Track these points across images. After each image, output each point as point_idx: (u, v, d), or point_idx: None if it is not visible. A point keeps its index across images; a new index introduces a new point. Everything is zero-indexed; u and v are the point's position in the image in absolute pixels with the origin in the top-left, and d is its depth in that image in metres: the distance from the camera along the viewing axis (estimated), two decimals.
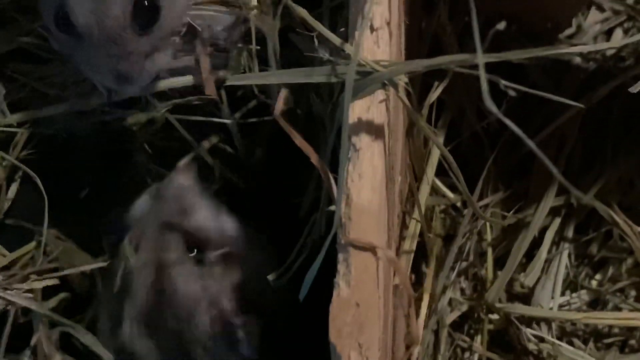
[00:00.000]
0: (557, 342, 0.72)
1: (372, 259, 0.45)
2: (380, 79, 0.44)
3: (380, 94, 0.46)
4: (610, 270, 0.77)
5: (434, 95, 0.65)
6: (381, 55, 0.47)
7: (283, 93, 0.49)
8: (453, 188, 0.74)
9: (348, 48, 0.46)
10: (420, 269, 0.75)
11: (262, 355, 0.63)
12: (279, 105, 0.49)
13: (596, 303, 0.77)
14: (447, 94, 0.69)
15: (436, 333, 0.74)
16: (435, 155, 0.68)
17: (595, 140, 0.77)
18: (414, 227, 0.63)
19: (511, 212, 0.74)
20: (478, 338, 0.74)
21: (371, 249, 0.45)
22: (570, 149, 0.75)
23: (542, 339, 0.72)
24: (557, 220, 0.75)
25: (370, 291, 0.45)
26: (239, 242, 0.66)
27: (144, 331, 0.63)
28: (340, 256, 0.45)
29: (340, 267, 0.45)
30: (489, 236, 0.75)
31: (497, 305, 0.72)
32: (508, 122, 0.40)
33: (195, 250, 0.65)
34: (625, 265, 0.76)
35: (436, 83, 0.65)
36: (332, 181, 0.46)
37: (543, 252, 0.74)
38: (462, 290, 0.76)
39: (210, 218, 0.67)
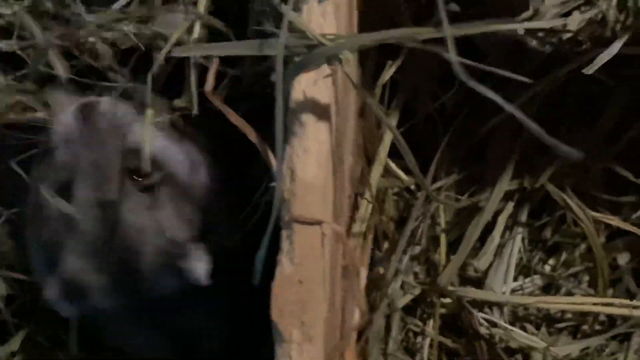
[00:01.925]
0: (509, 326, 0.72)
1: (317, 235, 0.44)
2: (323, 52, 0.43)
3: (327, 69, 0.45)
4: (564, 255, 0.76)
5: (387, 74, 0.64)
6: (328, 29, 0.45)
7: (213, 67, 0.48)
8: (408, 170, 0.73)
9: (293, 18, 0.44)
10: (374, 252, 0.74)
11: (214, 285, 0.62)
12: (210, 81, 0.47)
13: (549, 288, 0.77)
14: (401, 74, 0.68)
15: (388, 317, 0.73)
16: (388, 136, 0.67)
17: (552, 124, 0.76)
18: (365, 208, 0.62)
19: (465, 196, 0.74)
20: (430, 322, 0.74)
21: (316, 225, 0.44)
22: (526, 132, 0.75)
23: (494, 324, 0.72)
24: (511, 205, 0.74)
25: (314, 268, 0.44)
26: (185, 165, 0.63)
27: (94, 265, 0.61)
28: (284, 233, 0.44)
29: (284, 244, 0.44)
30: (442, 220, 0.74)
31: (450, 289, 0.72)
32: (482, 88, 0.40)
33: (139, 177, 0.61)
34: (578, 250, 0.76)
35: (389, 62, 0.64)
36: (272, 158, 0.45)
37: (496, 237, 0.73)
38: (416, 274, 0.76)
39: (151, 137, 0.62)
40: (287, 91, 0.45)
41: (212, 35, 0.56)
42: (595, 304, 0.72)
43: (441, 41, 0.48)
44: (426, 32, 0.46)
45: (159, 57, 0.51)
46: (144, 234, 0.60)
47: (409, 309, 0.75)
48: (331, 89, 0.45)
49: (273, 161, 0.44)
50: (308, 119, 0.45)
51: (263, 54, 0.44)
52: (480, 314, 0.72)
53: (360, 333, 0.72)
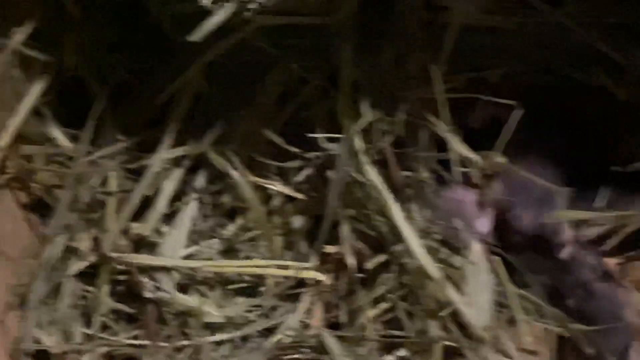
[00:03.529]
0: (171, 291, 0.73)
1: None
2: None
3: None
4: (240, 220, 0.78)
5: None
6: None
7: None
8: (75, 137, 0.74)
9: None
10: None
11: None
12: None
13: (230, 252, 0.78)
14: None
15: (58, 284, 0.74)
16: (24, 106, 0.66)
17: (225, 90, 0.78)
18: None
19: (119, 162, 0.74)
20: (104, 289, 0.74)
21: None
22: (196, 101, 0.76)
23: (160, 289, 0.73)
24: (179, 171, 0.75)
25: None
26: None
27: None
28: None
29: None
30: (112, 185, 0.74)
31: (115, 255, 0.72)
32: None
33: None
34: (254, 215, 0.78)
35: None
36: None
37: (161, 202, 0.74)
38: (96, 240, 0.76)
39: None
40: None
41: None
42: (262, 266, 0.75)
43: None
44: None
45: None
46: None
47: (86, 276, 0.75)
48: None
49: None
50: None
51: None
52: (148, 280, 0.73)
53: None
